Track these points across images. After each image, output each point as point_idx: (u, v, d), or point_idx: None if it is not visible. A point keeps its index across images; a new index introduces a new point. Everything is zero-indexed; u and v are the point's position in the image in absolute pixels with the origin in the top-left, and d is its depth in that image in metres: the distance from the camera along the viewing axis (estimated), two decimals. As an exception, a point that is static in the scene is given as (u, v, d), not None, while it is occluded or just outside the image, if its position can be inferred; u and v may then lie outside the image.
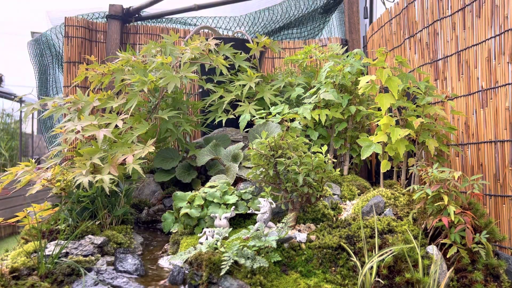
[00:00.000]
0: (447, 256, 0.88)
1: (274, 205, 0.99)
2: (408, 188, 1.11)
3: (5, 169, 1.15)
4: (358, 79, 1.31)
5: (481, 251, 0.86)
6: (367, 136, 1.24)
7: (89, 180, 1.01)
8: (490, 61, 1.17)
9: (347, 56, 1.46)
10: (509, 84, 1.10)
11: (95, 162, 1.04)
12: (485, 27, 1.19)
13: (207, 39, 1.38)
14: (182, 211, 1.01)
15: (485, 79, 1.19)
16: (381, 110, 1.20)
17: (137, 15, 2.32)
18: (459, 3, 1.30)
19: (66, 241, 0.87)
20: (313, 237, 0.93)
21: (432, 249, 0.88)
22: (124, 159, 1.07)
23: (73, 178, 1.04)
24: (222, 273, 0.76)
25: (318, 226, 1.00)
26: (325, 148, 1.01)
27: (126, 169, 1.07)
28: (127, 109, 1.22)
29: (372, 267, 0.81)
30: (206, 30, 2.23)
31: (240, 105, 1.44)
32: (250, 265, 0.78)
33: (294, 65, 2.08)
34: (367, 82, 1.24)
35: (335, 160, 1.12)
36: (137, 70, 1.23)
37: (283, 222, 0.93)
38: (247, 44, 1.55)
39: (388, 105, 1.18)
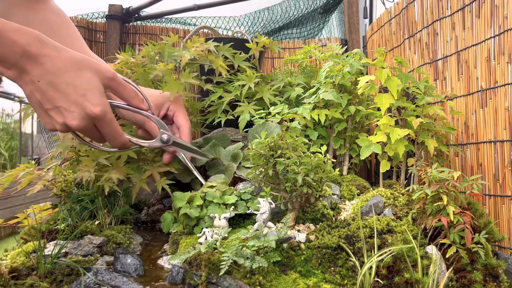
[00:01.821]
0: (446, 256, 0.88)
1: (273, 205, 0.99)
2: (407, 188, 1.11)
3: (5, 170, 1.15)
4: (358, 79, 1.31)
5: (480, 251, 0.86)
6: (367, 136, 1.24)
7: (95, 175, 1.01)
8: (489, 61, 1.17)
9: (347, 56, 1.46)
10: (508, 84, 1.10)
11: (102, 161, 1.04)
12: (485, 27, 1.19)
13: (207, 40, 1.38)
14: (182, 211, 1.01)
15: (484, 79, 1.19)
16: (380, 110, 1.20)
17: (136, 15, 2.32)
18: (459, 3, 1.30)
19: (65, 241, 0.87)
20: (312, 237, 0.93)
21: (431, 249, 0.88)
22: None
23: (76, 177, 1.04)
24: (221, 273, 0.76)
25: (317, 226, 1.00)
26: (324, 148, 1.01)
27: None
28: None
29: (371, 267, 0.81)
30: (205, 30, 2.23)
31: (240, 105, 1.44)
32: (249, 265, 0.78)
33: (294, 65, 2.08)
34: (367, 82, 1.24)
35: (334, 160, 1.12)
36: (137, 75, 1.23)
37: (282, 222, 0.93)
38: (246, 44, 1.55)
39: (388, 105, 1.18)
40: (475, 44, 1.23)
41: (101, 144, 0.89)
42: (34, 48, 0.70)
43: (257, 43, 1.54)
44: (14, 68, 0.70)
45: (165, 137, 0.92)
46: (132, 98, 0.85)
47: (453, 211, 0.90)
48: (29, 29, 0.71)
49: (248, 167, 1.23)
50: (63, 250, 0.88)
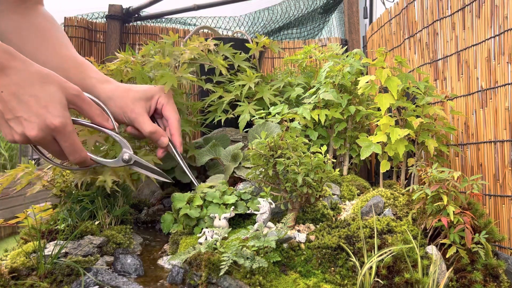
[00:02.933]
0: (447, 256, 0.88)
1: (273, 205, 0.99)
2: (407, 188, 1.11)
3: (5, 170, 1.15)
4: (358, 79, 1.31)
5: (480, 251, 0.86)
6: (367, 136, 1.24)
7: (90, 178, 1.01)
8: (489, 61, 1.17)
9: (347, 56, 1.46)
10: (508, 84, 1.10)
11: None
12: (485, 27, 1.19)
13: (206, 39, 1.38)
14: (182, 212, 1.01)
15: (484, 79, 1.19)
16: (380, 110, 1.20)
17: (136, 15, 2.32)
18: (459, 3, 1.30)
19: (65, 241, 0.87)
20: (312, 237, 0.93)
21: (432, 249, 0.88)
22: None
23: (73, 179, 1.04)
24: (221, 273, 0.76)
25: (317, 226, 1.00)
26: (324, 148, 1.01)
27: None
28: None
29: (371, 267, 0.81)
30: (205, 30, 2.23)
31: (240, 105, 1.44)
32: (249, 265, 0.78)
33: (294, 65, 2.08)
34: (367, 82, 1.24)
35: (334, 160, 1.12)
36: (135, 73, 1.23)
37: (282, 222, 0.93)
38: (246, 44, 1.55)
39: (388, 105, 1.18)
40: (475, 44, 1.23)
41: (62, 162, 0.89)
42: (3, 60, 0.71)
43: (257, 43, 1.54)
44: None
45: (126, 156, 0.91)
46: (97, 115, 0.86)
47: (453, 211, 0.90)
48: None
49: (248, 167, 1.23)
50: (63, 250, 0.88)
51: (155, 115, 1.05)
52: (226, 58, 1.43)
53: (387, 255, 0.84)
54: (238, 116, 1.43)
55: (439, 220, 0.90)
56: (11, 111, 0.73)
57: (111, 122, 0.90)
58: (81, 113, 0.84)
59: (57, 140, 0.78)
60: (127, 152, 0.91)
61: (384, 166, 1.20)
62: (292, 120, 1.34)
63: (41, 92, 0.74)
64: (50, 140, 0.77)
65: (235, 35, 1.84)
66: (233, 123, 1.51)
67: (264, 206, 0.98)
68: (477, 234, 0.89)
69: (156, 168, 0.96)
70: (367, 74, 1.65)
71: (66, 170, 0.91)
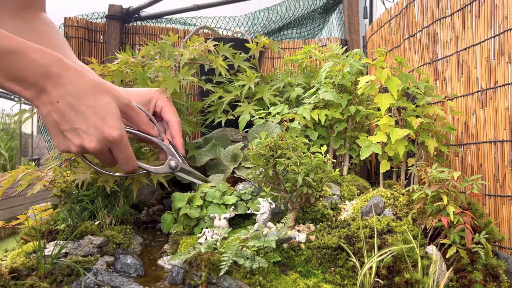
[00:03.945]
0: (447, 256, 0.88)
1: (273, 205, 0.99)
2: (407, 188, 1.11)
3: (5, 171, 1.15)
4: (358, 79, 1.31)
5: (480, 251, 0.86)
6: (367, 136, 1.24)
7: (91, 177, 1.01)
8: (489, 61, 1.17)
9: (347, 56, 1.46)
10: (508, 84, 1.10)
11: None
12: (485, 27, 1.19)
13: (206, 40, 1.38)
14: (182, 212, 1.01)
15: (484, 79, 1.19)
16: (380, 110, 1.20)
17: (136, 15, 2.32)
18: (459, 3, 1.30)
19: (65, 242, 0.87)
20: (312, 237, 0.93)
21: (432, 249, 0.88)
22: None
23: (74, 179, 1.04)
24: (221, 273, 0.76)
25: (317, 226, 1.00)
26: (324, 148, 1.01)
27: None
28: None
29: (371, 267, 0.81)
30: (205, 30, 2.24)
31: (240, 105, 1.44)
32: (249, 265, 0.78)
33: (294, 65, 2.08)
34: (367, 82, 1.24)
35: (334, 160, 1.12)
36: (136, 74, 1.23)
37: (282, 222, 0.93)
38: (246, 44, 1.55)
39: (388, 105, 1.18)
40: (475, 44, 1.23)
41: (107, 169, 0.90)
42: (56, 69, 0.71)
43: (257, 43, 1.54)
44: (33, 88, 0.70)
45: (173, 163, 0.93)
46: (145, 124, 0.87)
47: (453, 211, 0.90)
48: (50, 51, 0.72)
49: (248, 167, 1.23)
50: (63, 251, 0.88)
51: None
52: (226, 58, 1.43)
53: (387, 255, 0.84)
54: (238, 116, 1.43)
55: (439, 220, 0.90)
56: (68, 122, 0.72)
57: (156, 129, 0.91)
58: (129, 121, 0.85)
59: (113, 151, 0.78)
60: (174, 160, 0.93)
61: (384, 166, 1.20)
62: (292, 120, 1.34)
63: (96, 102, 0.74)
64: (106, 151, 0.77)
65: (235, 35, 1.85)
66: (233, 123, 1.51)
67: (264, 206, 0.98)
68: (477, 234, 0.89)
69: (199, 173, 0.98)
70: (367, 74, 1.66)
71: (111, 175, 0.92)
